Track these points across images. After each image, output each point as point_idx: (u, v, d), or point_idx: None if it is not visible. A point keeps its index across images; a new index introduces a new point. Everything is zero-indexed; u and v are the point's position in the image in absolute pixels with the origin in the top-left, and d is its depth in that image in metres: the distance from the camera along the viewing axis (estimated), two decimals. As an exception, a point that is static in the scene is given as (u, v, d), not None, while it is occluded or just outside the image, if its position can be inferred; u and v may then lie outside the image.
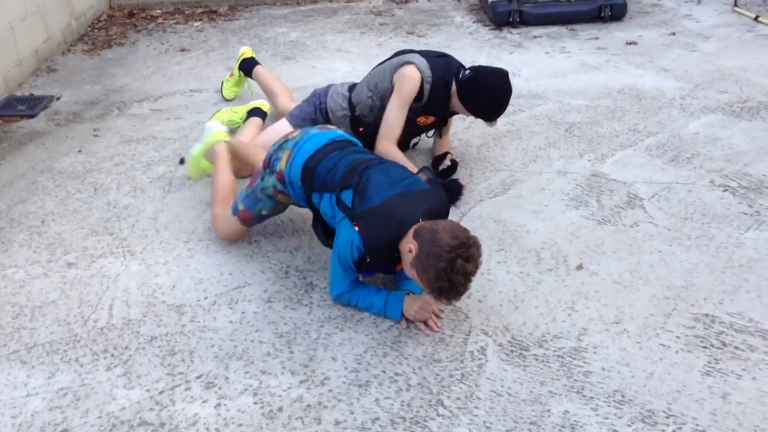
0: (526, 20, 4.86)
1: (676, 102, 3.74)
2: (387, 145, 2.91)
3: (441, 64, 2.92)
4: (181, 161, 3.32)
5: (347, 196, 2.22)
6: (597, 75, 4.11)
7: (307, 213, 2.88)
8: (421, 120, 3.04)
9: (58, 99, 4.05)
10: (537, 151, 3.31)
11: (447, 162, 3.12)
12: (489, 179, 3.09)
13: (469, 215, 2.84)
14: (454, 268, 1.98)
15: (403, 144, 3.14)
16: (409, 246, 2.08)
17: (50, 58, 4.62)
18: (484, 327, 2.25)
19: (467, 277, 2.01)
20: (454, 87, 2.90)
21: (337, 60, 4.52)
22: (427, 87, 2.89)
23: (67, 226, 2.86)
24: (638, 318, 2.26)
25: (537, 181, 3.07)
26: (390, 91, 2.92)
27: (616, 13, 4.86)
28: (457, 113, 3.04)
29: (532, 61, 4.35)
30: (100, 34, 5.11)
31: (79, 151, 3.48)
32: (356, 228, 2.15)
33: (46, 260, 2.65)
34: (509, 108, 3.74)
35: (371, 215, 2.15)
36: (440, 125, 3.19)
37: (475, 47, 4.61)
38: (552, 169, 3.16)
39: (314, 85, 3.99)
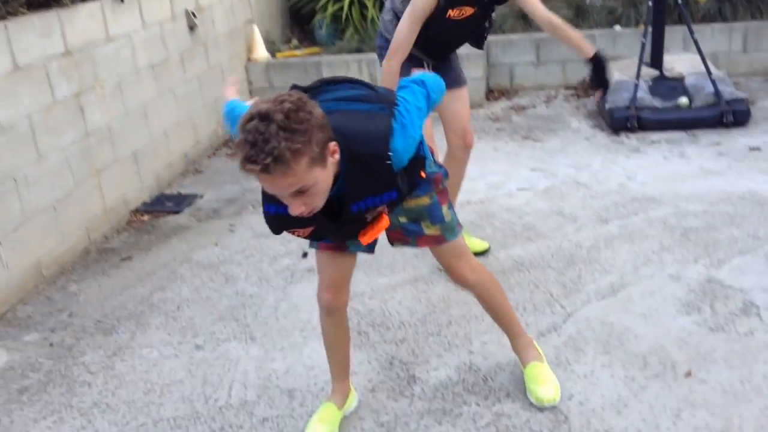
0: (644, 125, 4.89)
1: (802, 208, 3.61)
2: (390, 59, 2.82)
3: None
4: (304, 255, 3.58)
5: None
6: (717, 180, 4.05)
7: (413, 305, 3.02)
8: (453, 13, 2.84)
9: (201, 197, 4.50)
10: (650, 255, 3.29)
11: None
12: (598, 281, 3.11)
13: (574, 316, 2.86)
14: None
15: (445, 53, 3.05)
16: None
17: (197, 161, 5.15)
18: (584, 431, 2.24)
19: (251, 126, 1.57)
20: None
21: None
22: None
23: (198, 312, 3.14)
24: (748, 430, 2.17)
25: (648, 284, 3.05)
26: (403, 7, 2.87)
27: (739, 119, 4.79)
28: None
29: (649, 165, 4.36)
30: (241, 139, 5.64)
31: (216, 244, 3.83)
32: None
33: (178, 342, 2.93)
34: (622, 211, 3.77)
35: None
36: (482, 23, 3.00)
37: (590, 151, 4.68)
38: (665, 273, 3.13)
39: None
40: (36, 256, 3.47)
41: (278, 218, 1.87)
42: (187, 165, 4.99)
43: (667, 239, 3.43)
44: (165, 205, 4.37)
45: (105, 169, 4.03)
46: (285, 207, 1.73)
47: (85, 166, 3.86)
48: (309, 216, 1.75)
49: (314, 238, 2.02)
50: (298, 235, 1.94)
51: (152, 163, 4.54)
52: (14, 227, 3.32)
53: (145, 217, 4.23)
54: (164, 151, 4.71)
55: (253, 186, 4.59)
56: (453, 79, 3.07)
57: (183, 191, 4.61)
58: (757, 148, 4.45)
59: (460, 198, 3.95)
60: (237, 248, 3.76)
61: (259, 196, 4.60)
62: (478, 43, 3.16)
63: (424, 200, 2.13)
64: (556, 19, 3.00)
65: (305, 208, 1.69)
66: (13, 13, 3.44)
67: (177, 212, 4.27)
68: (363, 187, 1.83)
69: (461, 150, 3.25)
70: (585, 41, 3.02)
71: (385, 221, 1.94)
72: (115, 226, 4.10)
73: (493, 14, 3.03)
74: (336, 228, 1.91)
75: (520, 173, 4.43)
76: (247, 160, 1.58)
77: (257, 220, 4.09)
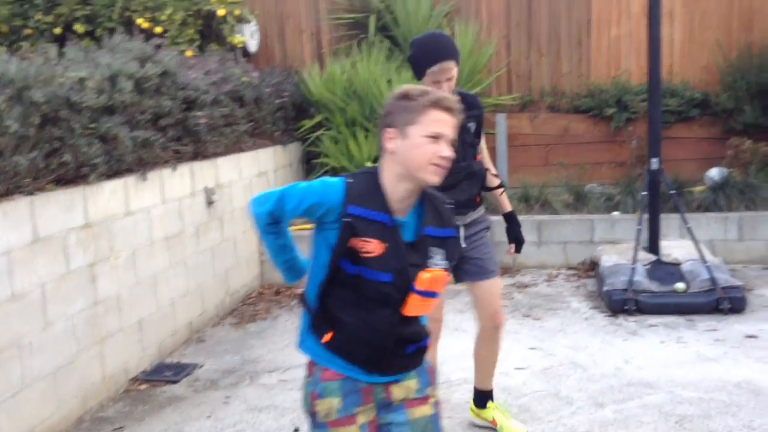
0: (642, 309, 4.96)
1: (800, 399, 3.58)
2: None
3: None
4: (295, 431, 3.56)
5: None
6: (713, 367, 4.05)
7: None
8: None
9: (200, 367, 4.54)
10: (644, 444, 3.25)
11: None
12: (590, 470, 3.05)
13: (564, 508, 2.78)
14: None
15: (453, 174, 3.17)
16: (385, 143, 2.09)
17: (201, 329, 5.24)
18: None
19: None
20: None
21: (452, 338, 4.73)
22: None
23: (182, 488, 3.09)
24: None
25: (641, 476, 2.98)
26: None
27: (736, 306, 4.85)
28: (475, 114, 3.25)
29: (646, 350, 4.38)
30: (248, 309, 5.76)
31: (209, 416, 3.82)
32: None
33: None
34: (618, 395, 3.75)
35: None
36: (467, 141, 3.21)
37: (589, 332, 4.73)
38: (658, 464, 3.07)
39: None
40: (30, 424, 3.48)
41: (360, 221, 2.02)
42: (190, 334, 5.09)
43: (661, 427, 3.39)
44: (164, 374, 4.41)
45: (109, 336, 4.13)
46: (373, 211, 2.03)
47: (90, 334, 3.96)
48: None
49: (377, 266, 2.04)
50: (367, 251, 2.02)
51: (156, 331, 4.64)
52: (12, 394, 3.38)
53: (143, 386, 4.26)
54: (170, 320, 4.82)
55: (254, 356, 4.64)
56: (483, 269, 3.36)
57: (183, 360, 4.66)
58: (754, 336, 4.48)
59: (458, 375, 4.01)
60: (229, 422, 3.75)
61: (258, 367, 4.60)
62: (474, 180, 3.31)
63: (426, 409, 2.16)
64: (491, 173, 3.43)
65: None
66: (41, 189, 3.72)
67: (175, 382, 4.30)
68: (431, 217, 2.14)
69: (492, 330, 3.46)
70: (507, 200, 3.49)
71: (445, 275, 2.13)
72: (112, 394, 4.12)
73: (474, 128, 3.29)
74: (406, 251, 2.06)
75: (519, 352, 4.46)
76: (446, 99, 2.06)
77: (253, 392, 4.11)
